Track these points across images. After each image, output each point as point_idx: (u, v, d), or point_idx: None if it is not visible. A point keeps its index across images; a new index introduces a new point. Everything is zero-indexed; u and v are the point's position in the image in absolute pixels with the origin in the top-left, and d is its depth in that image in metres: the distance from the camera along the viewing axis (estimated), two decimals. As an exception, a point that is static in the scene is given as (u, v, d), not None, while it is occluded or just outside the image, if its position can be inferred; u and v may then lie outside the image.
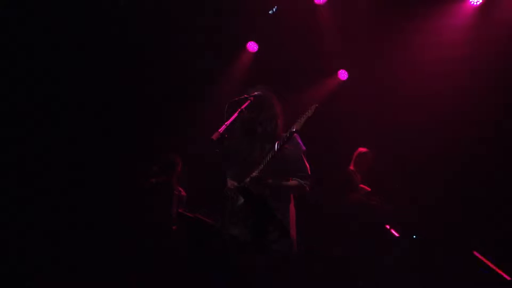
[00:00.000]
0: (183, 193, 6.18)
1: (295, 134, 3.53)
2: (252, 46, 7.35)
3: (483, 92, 6.33)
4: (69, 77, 6.53)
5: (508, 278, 5.44)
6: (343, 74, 7.60)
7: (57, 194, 6.31)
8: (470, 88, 6.38)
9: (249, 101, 3.75)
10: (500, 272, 5.52)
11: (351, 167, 6.48)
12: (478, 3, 6.48)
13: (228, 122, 3.58)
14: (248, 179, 3.59)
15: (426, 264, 5.25)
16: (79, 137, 6.59)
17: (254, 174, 3.57)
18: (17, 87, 6.15)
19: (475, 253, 5.74)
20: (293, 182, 3.70)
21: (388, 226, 5.97)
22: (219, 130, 3.50)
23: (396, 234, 5.94)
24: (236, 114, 3.66)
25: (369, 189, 6.23)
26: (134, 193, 6.14)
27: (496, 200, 6.20)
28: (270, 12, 6.89)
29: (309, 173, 3.74)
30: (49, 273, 5.74)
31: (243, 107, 3.71)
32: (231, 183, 3.78)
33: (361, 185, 6.34)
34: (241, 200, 3.52)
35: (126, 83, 6.77)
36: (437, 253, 5.58)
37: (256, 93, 3.84)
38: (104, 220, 6.28)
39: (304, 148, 3.79)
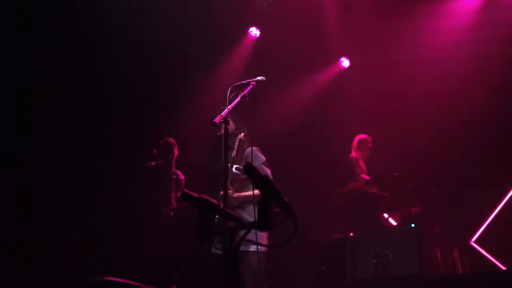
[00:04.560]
0: (182, 176, 6.16)
1: (253, 148, 3.95)
2: (254, 32, 7.31)
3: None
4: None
5: (504, 268, 5.50)
6: (344, 62, 7.60)
7: (57, 176, 6.27)
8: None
9: (251, 86, 3.74)
10: (496, 262, 5.57)
11: (353, 155, 6.46)
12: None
13: (230, 106, 3.57)
14: (218, 196, 3.74)
15: (422, 253, 5.26)
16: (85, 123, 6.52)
17: (222, 192, 3.56)
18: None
19: (472, 243, 5.79)
20: (257, 191, 3.75)
21: (386, 215, 6.00)
22: (222, 114, 3.49)
23: (394, 223, 5.97)
24: (238, 99, 3.65)
25: (368, 177, 6.23)
26: (135, 177, 6.13)
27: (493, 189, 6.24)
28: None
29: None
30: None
31: (245, 91, 3.70)
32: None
33: (362, 175, 6.32)
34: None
35: (131, 70, 6.69)
36: (434, 242, 5.61)
37: (258, 78, 3.84)
38: (103, 205, 6.24)
39: (263, 158, 4.06)
